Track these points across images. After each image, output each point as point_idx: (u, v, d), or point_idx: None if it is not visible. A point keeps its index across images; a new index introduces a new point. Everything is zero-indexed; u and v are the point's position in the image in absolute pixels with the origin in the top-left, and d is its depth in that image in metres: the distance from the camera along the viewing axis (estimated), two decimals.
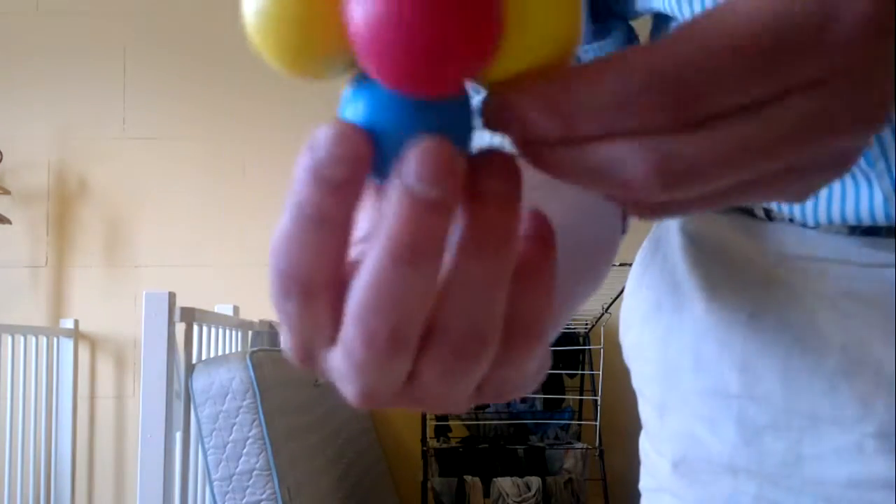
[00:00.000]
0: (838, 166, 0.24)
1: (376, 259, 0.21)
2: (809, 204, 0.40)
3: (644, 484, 0.55)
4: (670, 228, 0.51)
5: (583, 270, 0.41)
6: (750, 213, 0.45)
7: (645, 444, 0.54)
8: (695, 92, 0.21)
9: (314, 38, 0.21)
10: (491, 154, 0.22)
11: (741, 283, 0.45)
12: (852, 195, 0.38)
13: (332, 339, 0.23)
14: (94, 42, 2.89)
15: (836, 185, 0.39)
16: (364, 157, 0.21)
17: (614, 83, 0.21)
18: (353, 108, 0.22)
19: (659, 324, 0.51)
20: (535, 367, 0.25)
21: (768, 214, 0.44)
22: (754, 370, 0.44)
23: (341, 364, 0.23)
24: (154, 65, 2.89)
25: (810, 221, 0.41)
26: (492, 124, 0.22)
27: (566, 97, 0.21)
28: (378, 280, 0.21)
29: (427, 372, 0.23)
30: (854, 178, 0.38)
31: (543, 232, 0.23)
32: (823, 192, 0.39)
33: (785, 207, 0.41)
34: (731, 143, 0.21)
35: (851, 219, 0.39)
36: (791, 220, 0.42)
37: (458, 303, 0.22)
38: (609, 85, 0.21)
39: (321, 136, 0.21)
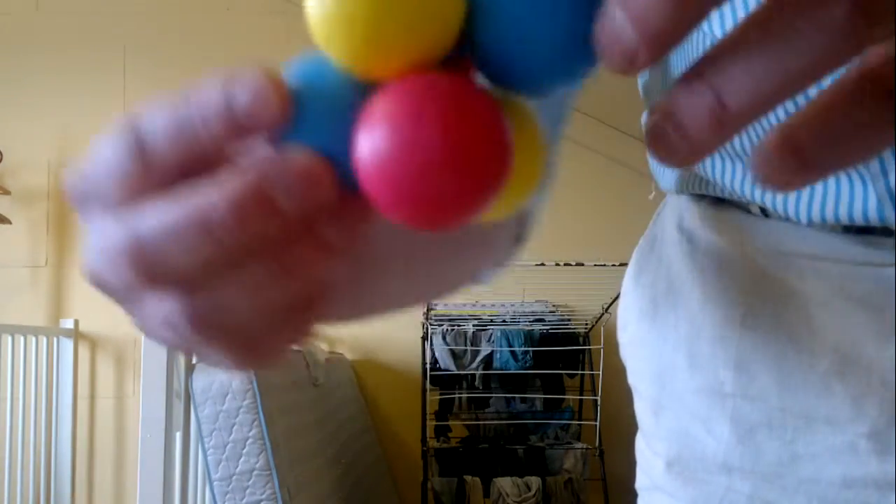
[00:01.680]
0: None
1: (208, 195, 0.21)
2: (803, 202, 0.40)
3: (640, 483, 0.55)
4: (666, 226, 0.52)
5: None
6: (746, 209, 0.45)
7: (640, 443, 0.54)
8: None
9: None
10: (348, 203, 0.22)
11: (736, 281, 0.45)
12: (846, 195, 0.38)
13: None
14: (95, 42, 2.89)
15: (831, 184, 0.39)
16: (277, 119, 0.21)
17: None
18: (304, 74, 0.22)
19: (654, 322, 0.51)
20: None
21: (764, 212, 0.44)
22: (748, 369, 0.44)
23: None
24: (154, 64, 2.89)
25: (803, 220, 0.41)
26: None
27: None
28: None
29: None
30: (849, 177, 0.38)
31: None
32: (818, 190, 0.39)
33: (779, 205, 0.42)
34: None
35: (844, 218, 0.39)
36: (787, 219, 0.42)
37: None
38: None
39: (249, 83, 0.22)
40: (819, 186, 0.39)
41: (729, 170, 0.43)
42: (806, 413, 0.42)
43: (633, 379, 0.54)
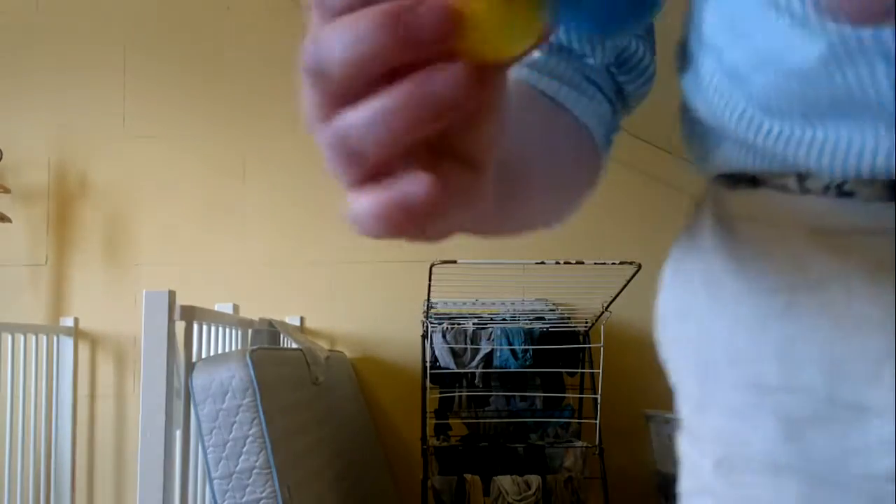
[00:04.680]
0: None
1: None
2: (839, 157, 0.39)
3: (684, 486, 0.52)
4: (704, 217, 0.50)
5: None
6: (783, 188, 0.44)
7: (684, 444, 0.52)
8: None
9: None
10: None
11: (776, 268, 0.44)
12: (884, 147, 0.38)
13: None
14: (94, 40, 2.89)
15: (868, 137, 0.38)
16: None
17: None
18: None
19: (692, 317, 0.49)
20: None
21: (801, 185, 0.43)
22: (793, 359, 0.42)
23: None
24: (154, 63, 2.89)
25: (838, 173, 0.40)
26: None
27: None
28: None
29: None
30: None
31: None
32: (856, 142, 0.39)
33: (812, 162, 0.40)
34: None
35: (882, 170, 0.38)
36: (827, 189, 0.41)
37: None
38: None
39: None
40: (856, 137, 0.39)
41: (776, 129, 0.42)
42: (856, 403, 0.40)
43: (674, 378, 0.53)
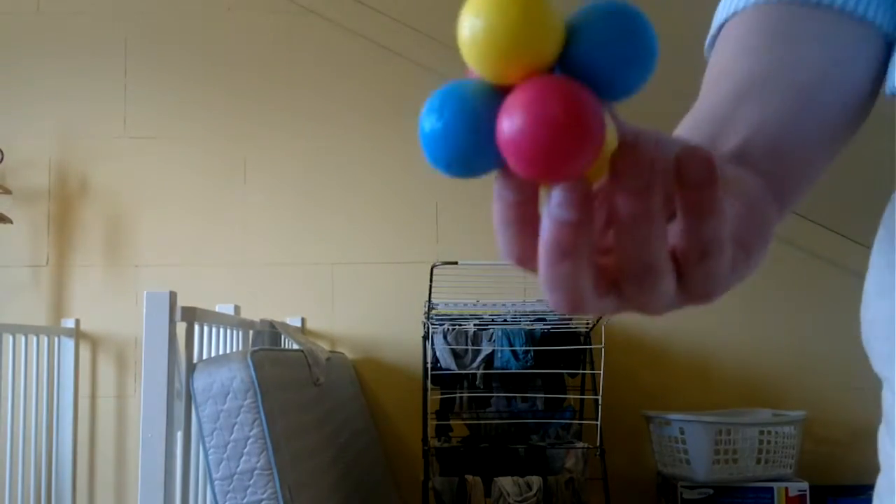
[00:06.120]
0: None
1: (541, 257, 0.30)
2: None
3: (882, 486, 0.47)
4: None
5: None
6: None
7: (885, 440, 0.48)
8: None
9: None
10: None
11: None
12: None
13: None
14: (95, 42, 2.89)
15: None
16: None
17: None
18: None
19: (889, 296, 0.45)
20: (730, 267, 0.32)
21: None
22: None
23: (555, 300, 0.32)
24: (155, 64, 2.89)
25: None
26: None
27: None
28: (544, 271, 0.30)
29: (627, 303, 0.32)
30: None
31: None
32: None
33: None
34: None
35: None
36: None
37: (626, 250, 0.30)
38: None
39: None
40: None
41: None
42: None
43: (878, 366, 0.48)
